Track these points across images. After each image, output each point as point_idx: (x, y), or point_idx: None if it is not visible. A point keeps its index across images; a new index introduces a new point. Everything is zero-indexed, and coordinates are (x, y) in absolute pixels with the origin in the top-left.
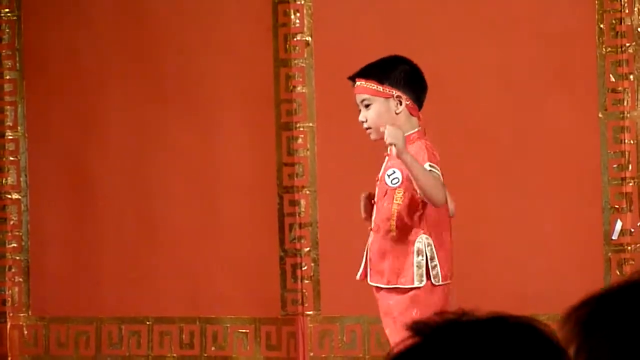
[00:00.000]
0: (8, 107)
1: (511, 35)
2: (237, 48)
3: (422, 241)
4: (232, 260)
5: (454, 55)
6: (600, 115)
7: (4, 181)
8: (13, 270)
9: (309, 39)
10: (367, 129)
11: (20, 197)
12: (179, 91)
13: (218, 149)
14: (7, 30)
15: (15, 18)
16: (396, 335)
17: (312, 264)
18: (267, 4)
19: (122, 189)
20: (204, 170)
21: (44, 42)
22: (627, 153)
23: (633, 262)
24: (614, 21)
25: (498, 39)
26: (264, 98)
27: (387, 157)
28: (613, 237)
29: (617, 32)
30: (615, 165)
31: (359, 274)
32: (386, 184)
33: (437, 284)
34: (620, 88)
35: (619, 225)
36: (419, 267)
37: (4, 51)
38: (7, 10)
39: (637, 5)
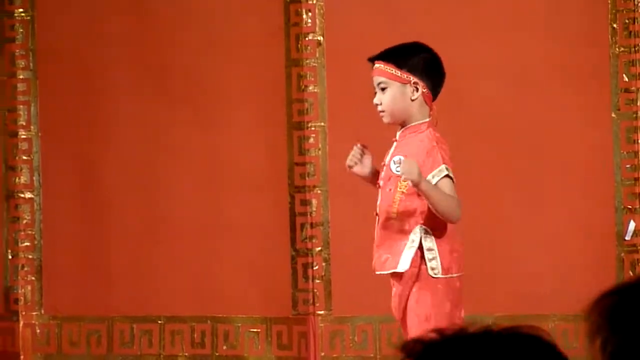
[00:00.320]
0: (21, 106)
1: (524, 35)
2: (248, 48)
3: (417, 232)
4: (243, 259)
5: (466, 55)
6: (613, 115)
7: (17, 180)
8: (25, 269)
9: (320, 38)
10: (380, 111)
11: (33, 196)
12: (190, 90)
13: (229, 148)
14: (21, 30)
15: (29, 18)
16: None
17: (324, 264)
18: (279, 3)
19: (133, 188)
20: (215, 169)
21: (57, 42)
22: None
23: None
24: (627, 21)
25: (511, 38)
26: (275, 97)
27: (395, 143)
28: (626, 238)
29: (631, 31)
30: (628, 166)
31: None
32: (391, 170)
33: (435, 276)
34: (633, 88)
35: (632, 225)
36: (407, 254)
37: (17, 51)
38: (20, 10)
39: None
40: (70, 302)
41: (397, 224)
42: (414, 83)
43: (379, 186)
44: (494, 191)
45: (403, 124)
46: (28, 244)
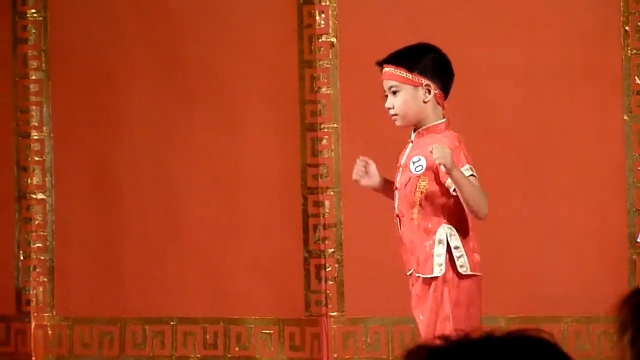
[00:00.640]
0: (34, 107)
1: (536, 37)
2: (262, 49)
3: (444, 231)
4: (256, 260)
5: (479, 56)
6: (625, 117)
7: (29, 181)
8: (37, 270)
9: (334, 40)
10: (393, 115)
11: (45, 197)
12: (204, 92)
13: (243, 149)
14: (33, 31)
15: (41, 19)
16: (425, 325)
17: (336, 265)
18: (292, 5)
19: (146, 189)
20: (229, 170)
21: (69, 42)
22: None
23: None
24: (639, 23)
25: (523, 40)
26: (288, 99)
27: (410, 144)
28: (638, 240)
29: None
30: None
31: (410, 270)
32: (410, 170)
33: (464, 273)
34: None
35: None
36: (438, 256)
37: (30, 51)
38: (33, 10)
39: None
40: (82, 304)
41: (419, 224)
42: (425, 85)
43: (396, 188)
44: (506, 192)
45: (417, 126)
46: (40, 245)
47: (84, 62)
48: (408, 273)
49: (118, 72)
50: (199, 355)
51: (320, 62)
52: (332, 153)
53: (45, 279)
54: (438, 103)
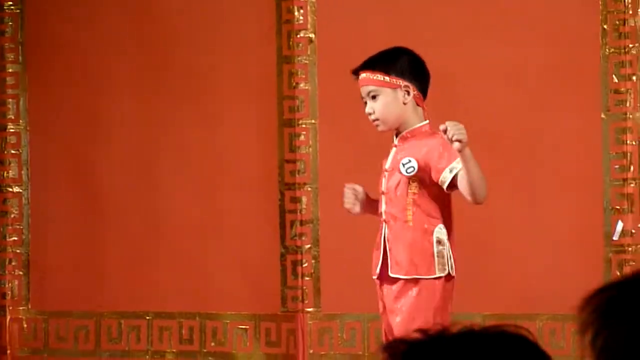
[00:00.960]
0: (10, 100)
1: (514, 35)
2: (240, 45)
3: (441, 230)
4: (232, 256)
5: (458, 55)
6: (602, 116)
7: (5, 174)
8: (13, 263)
9: (312, 36)
10: (374, 120)
11: (21, 190)
12: (182, 86)
13: (220, 144)
14: (10, 23)
15: (18, 11)
16: (407, 325)
17: (313, 261)
18: (271, 1)
19: (123, 183)
20: (206, 166)
21: (46, 35)
22: (629, 154)
23: (634, 263)
24: (617, 22)
25: (501, 38)
26: (266, 94)
27: (394, 148)
28: (614, 238)
29: (621, 33)
30: (617, 166)
31: (377, 268)
32: (401, 173)
33: (453, 274)
34: (623, 89)
35: (620, 226)
36: (440, 256)
37: (6, 44)
38: (10, 3)
39: None
40: (57, 297)
41: (415, 225)
42: (404, 87)
43: (383, 193)
44: None
45: (399, 129)
46: (16, 238)
47: (61, 54)
48: (375, 277)
49: (96, 65)
50: (174, 350)
51: (299, 58)
52: (310, 149)
53: (21, 273)
54: (418, 104)
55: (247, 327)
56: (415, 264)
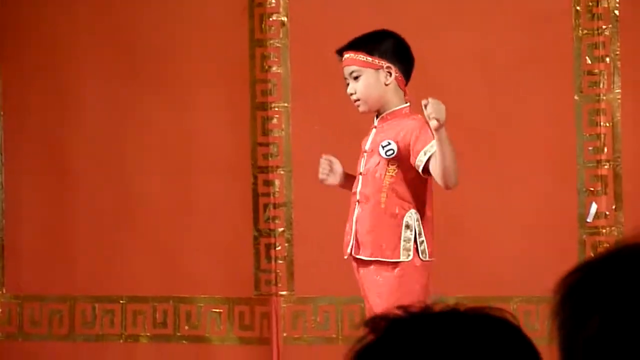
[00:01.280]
0: None
1: (487, 17)
2: (213, 27)
3: (411, 216)
4: (206, 239)
5: (429, 37)
6: (576, 97)
7: None
8: None
9: (284, 19)
10: (355, 100)
11: None
12: (155, 70)
13: (193, 128)
14: None
15: None
16: (384, 307)
17: (286, 244)
18: None
19: (97, 168)
20: (179, 149)
21: (20, 18)
22: (602, 136)
23: (607, 245)
24: (590, 3)
25: (474, 21)
26: (239, 78)
27: (374, 129)
28: (588, 220)
29: (594, 14)
30: (590, 148)
31: (349, 248)
32: (380, 155)
33: (424, 259)
34: (596, 70)
35: (594, 208)
36: (406, 241)
37: None
38: None
39: None
40: (32, 281)
41: (386, 208)
42: (386, 68)
43: (361, 173)
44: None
45: (380, 111)
46: None
47: (35, 40)
48: (345, 257)
49: (68, 50)
50: (148, 334)
51: (271, 41)
52: (283, 132)
53: None
54: (399, 87)
55: (221, 310)
56: (381, 246)
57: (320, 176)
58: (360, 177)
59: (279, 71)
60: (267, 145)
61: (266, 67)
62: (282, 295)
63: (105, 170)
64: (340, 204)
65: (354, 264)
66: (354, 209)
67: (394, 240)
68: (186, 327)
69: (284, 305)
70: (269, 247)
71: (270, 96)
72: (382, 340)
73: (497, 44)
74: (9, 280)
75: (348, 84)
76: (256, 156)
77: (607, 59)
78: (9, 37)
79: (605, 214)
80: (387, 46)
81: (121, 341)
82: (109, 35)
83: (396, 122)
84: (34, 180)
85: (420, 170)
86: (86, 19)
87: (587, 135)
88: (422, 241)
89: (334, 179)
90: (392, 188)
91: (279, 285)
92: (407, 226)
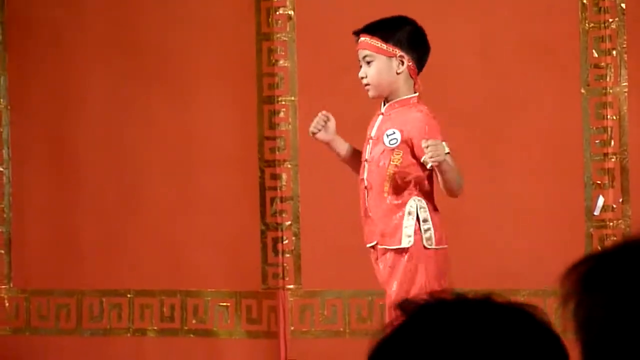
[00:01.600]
0: None
1: (494, 10)
2: (219, 21)
3: (414, 204)
4: (213, 233)
5: (437, 31)
6: (582, 90)
7: None
8: None
9: (291, 12)
10: (365, 85)
11: (2, 169)
12: (161, 64)
13: (200, 122)
14: None
15: None
16: (400, 295)
17: (293, 238)
18: None
19: (104, 162)
20: (186, 143)
21: (27, 14)
22: (609, 129)
23: (614, 238)
24: None
25: (481, 14)
26: (246, 71)
27: (380, 116)
28: (595, 213)
29: (601, 7)
30: (597, 141)
31: (372, 242)
32: (384, 143)
33: (429, 247)
34: (603, 64)
35: (600, 201)
36: (407, 228)
37: None
38: None
39: None
40: (39, 276)
41: (390, 197)
42: (399, 56)
43: (366, 160)
44: (463, 166)
45: (387, 98)
46: None
47: (42, 34)
48: (369, 245)
49: (75, 44)
50: (155, 328)
51: (278, 35)
52: (290, 126)
53: (3, 251)
54: (411, 76)
55: (228, 304)
56: (384, 233)
57: (312, 129)
58: (366, 164)
59: (285, 65)
60: (274, 139)
61: (273, 61)
62: (289, 289)
63: (112, 164)
64: (347, 197)
65: (373, 253)
66: (364, 196)
67: (395, 227)
68: (193, 321)
69: (291, 299)
70: (276, 240)
71: (277, 90)
72: (409, 325)
73: (504, 37)
74: (17, 275)
75: (361, 67)
76: (263, 150)
77: (614, 52)
78: (16, 33)
79: (612, 207)
80: (403, 34)
81: (129, 335)
82: (114, 30)
83: (403, 111)
84: (41, 174)
85: (428, 166)
86: (92, 15)
87: (594, 128)
88: (428, 228)
89: (325, 135)
90: (396, 176)
91: (286, 278)
92: (410, 213)
